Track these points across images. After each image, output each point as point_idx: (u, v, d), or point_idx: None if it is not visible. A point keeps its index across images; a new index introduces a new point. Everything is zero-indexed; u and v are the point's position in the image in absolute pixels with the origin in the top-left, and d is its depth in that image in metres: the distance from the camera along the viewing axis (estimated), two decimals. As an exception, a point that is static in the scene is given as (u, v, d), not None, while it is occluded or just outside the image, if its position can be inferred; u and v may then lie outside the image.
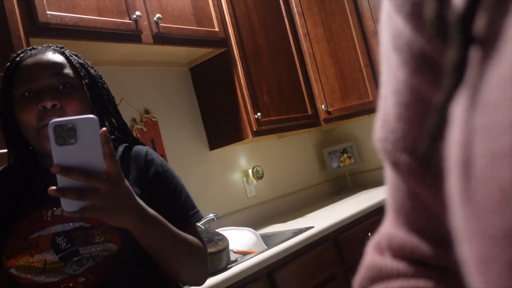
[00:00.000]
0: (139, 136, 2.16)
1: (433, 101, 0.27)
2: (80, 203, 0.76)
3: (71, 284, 0.90)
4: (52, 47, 1.03)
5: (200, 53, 2.36)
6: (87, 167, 0.75)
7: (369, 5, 2.76)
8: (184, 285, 1.07)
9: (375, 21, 2.75)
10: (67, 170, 0.74)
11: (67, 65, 1.01)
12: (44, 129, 0.92)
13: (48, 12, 1.57)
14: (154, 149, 2.21)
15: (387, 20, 0.31)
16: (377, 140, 0.35)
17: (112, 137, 1.13)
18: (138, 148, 1.10)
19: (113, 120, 1.14)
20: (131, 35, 1.86)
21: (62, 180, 0.75)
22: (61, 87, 0.96)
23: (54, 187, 0.75)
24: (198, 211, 1.08)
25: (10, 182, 1.01)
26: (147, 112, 2.24)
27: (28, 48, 1.03)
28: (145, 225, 0.86)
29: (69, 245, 0.91)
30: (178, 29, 2.04)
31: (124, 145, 1.11)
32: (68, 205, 0.76)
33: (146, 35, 1.91)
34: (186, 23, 2.10)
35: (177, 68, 2.47)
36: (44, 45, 1.04)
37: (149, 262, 0.97)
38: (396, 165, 0.31)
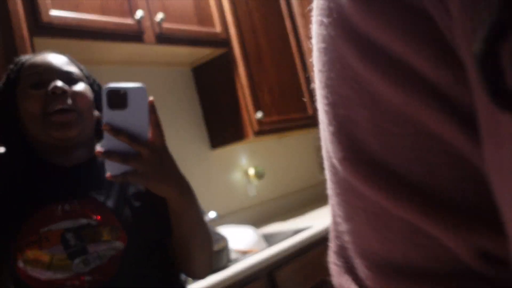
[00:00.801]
0: (140, 135, 2.17)
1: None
2: (123, 167, 0.79)
3: (77, 283, 0.89)
4: (56, 52, 1.04)
5: (202, 53, 2.37)
6: (133, 134, 0.78)
7: (370, 6, 2.76)
8: (190, 276, 1.07)
9: (376, 22, 2.76)
10: (116, 130, 0.76)
11: (72, 64, 1.02)
12: (52, 115, 0.91)
13: (51, 12, 1.58)
14: (156, 148, 2.22)
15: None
16: None
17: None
18: None
19: None
20: (134, 35, 1.87)
21: (108, 143, 0.77)
22: (70, 79, 0.97)
23: (100, 149, 0.77)
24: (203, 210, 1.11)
25: (11, 175, 0.98)
26: (148, 111, 2.25)
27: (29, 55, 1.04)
28: (183, 196, 0.88)
29: (78, 241, 0.91)
30: (180, 30, 2.05)
31: None
32: (112, 168, 0.79)
33: (149, 35, 1.92)
34: (188, 23, 2.11)
35: (179, 68, 2.48)
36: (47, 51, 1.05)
37: (155, 262, 0.97)
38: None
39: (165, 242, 1.01)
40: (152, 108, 0.81)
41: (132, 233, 0.93)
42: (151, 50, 2.12)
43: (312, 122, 2.68)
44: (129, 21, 1.84)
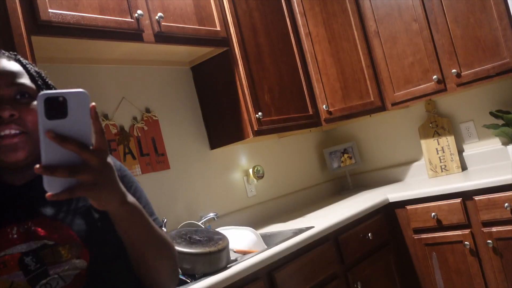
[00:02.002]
0: (140, 135, 2.16)
1: None
2: (66, 182, 0.70)
3: None
4: (6, 54, 0.96)
5: (201, 52, 2.36)
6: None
7: (371, 5, 2.76)
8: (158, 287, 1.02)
9: (377, 21, 2.75)
10: (62, 138, 0.68)
11: (24, 73, 0.94)
12: (1, 139, 0.87)
13: (50, 10, 1.57)
14: (155, 148, 2.22)
15: None
16: None
17: None
18: None
19: None
20: (133, 34, 1.86)
21: (48, 154, 0.69)
22: (18, 96, 0.90)
23: (38, 165, 0.68)
24: (157, 218, 1.05)
25: None
26: (148, 111, 2.24)
27: None
28: (127, 206, 0.82)
29: (38, 265, 0.85)
30: (179, 28, 2.04)
31: None
32: (54, 184, 0.70)
33: (148, 34, 1.91)
34: (187, 22, 2.10)
35: (179, 67, 2.47)
36: None
37: (123, 277, 0.93)
38: None
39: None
40: (95, 114, 0.72)
41: (93, 248, 0.89)
42: (150, 49, 2.12)
43: (312, 121, 2.67)
44: (128, 19, 1.83)
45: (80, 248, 0.88)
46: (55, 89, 1.00)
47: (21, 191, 0.93)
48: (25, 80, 0.93)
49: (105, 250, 0.90)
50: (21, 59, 0.98)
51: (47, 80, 1.00)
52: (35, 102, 0.92)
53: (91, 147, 0.72)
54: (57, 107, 0.69)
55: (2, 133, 0.87)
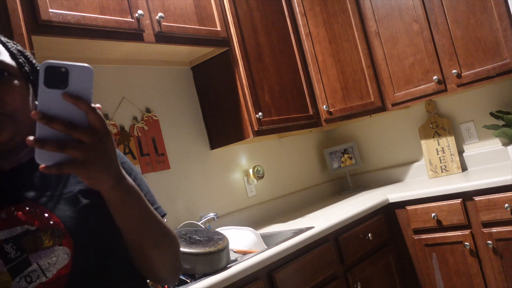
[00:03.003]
0: (140, 135, 2.17)
1: None
2: (58, 156, 0.68)
3: None
4: None
5: (201, 52, 2.36)
6: (71, 117, 0.68)
7: (371, 5, 2.76)
8: (158, 281, 0.97)
9: (377, 22, 2.75)
10: (49, 118, 0.66)
11: (4, 51, 0.89)
12: None
13: (50, 10, 1.57)
14: (155, 148, 2.22)
15: None
16: None
17: None
18: None
19: None
20: (133, 34, 1.86)
21: (41, 129, 0.67)
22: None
23: (32, 137, 0.66)
24: (160, 206, 1.00)
25: None
26: (148, 110, 2.25)
27: None
28: (122, 188, 0.76)
29: (19, 253, 0.80)
30: (180, 28, 2.04)
31: None
32: (44, 157, 0.68)
33: (148, 34, 1.91)
34: (188, 22, 2.10)
35: (179, 67, 2.47)
36: None
37: (114, 271, 0.87)
38: None
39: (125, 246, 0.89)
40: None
41: (78, 235, 0.83)
42: (150, 49, 2.12)
43: (312, 122, 2.67)
44: (128, 19, 1.83)
45: (63, 235, 0.82)
46: (34, 68, 0.95)
47: (8, 175, 0.89)
48: (5, 57, 0.88)
49: (91, 239, 0.84)
50: (1, 38, 0.93)
51: (30, 58, 0.95)
52: (14, 81, 0.87)
53: (87, 123, 0.69)
54: (58, 77, 0.67)
55: None
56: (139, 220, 0.83)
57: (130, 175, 0.95)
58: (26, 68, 0.92)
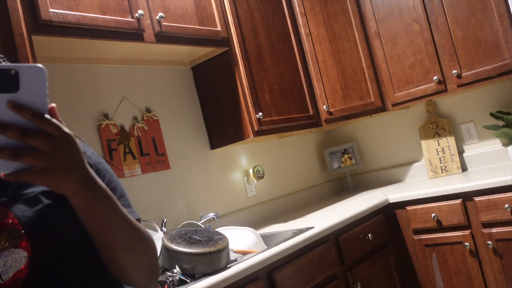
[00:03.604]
0: (140, 134, 2.16)
1: None
2: (16, 164, 0.65)
3: None
4: None
5: (202, 52, 2.36)
6: (26, 123, 0.65)
7: (372, 6, 2.76)
8: (131, 284, 0.93)
9: (378, 22, 2.75)
10: (1, 126, 0.63)
11: None
12: None
13: (50, 9, 1.57)
14: (155, 148, 2.22)
15: None
16: None
17: None
18: None
19: None
20: (133, 34, 1.86)
21: None
22: None
23: None
24: (134, 211, 0.95)
25: None
26: (148, 110, 2.25)
27: None
28: (87, 192, 0.73)
29: None
30: (180, 28, 2.04)
31: None
32: (1, 166, 0.65)
33: (148, 33, 1.91)
34: (188, 22, 2.10)
35: (179, 67, 2.47)
36: None
37: (71, 279, 0.82)
38: None
39: (92, 247, 0.84)
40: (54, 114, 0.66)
41: (36, 237, 0.79)
42: (151, 49, 2.12)
43: (312, 122, 2.67)
44: (129, 19, 1.83)
45: (20, 236, 0.78)
46: (3, 60, 0.92)
47: None
48: None
49: (50, 242, 0.80)
50: None
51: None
52: None
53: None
54: (8, 80, 0.63)
55: None
56: (108, 225, 0.79)
57: (105, 176, 0.93)
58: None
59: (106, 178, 0.93)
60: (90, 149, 0.96)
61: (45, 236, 0.78)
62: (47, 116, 0.66)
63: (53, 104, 0.67)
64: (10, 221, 0.79)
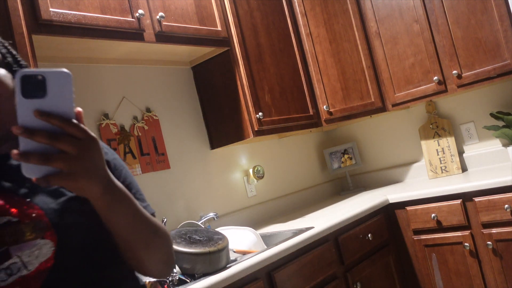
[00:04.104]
0: (140, 134, 2.16)
1: None
2: (45, 168, 0.66)
3: None
4: None
5: (202, 52, 2.36)
6: (54, 127, 0.66)
7: (372, 6, 2.76)
8: (149, 276, 0.96)
9: (378, 22, 2.75)
10: (31, 131, 0.64)
11: None
12: None
13: (51, 9, 1.57)
14: (155, 147, 2.22)
15: None
16: None
17: None
18: None
19: None
20: (134, 33, 1.86)
21: (24, 141, 0.65)
22: None
23: (16, 150, 0.64)
24: (149, 205, 0.98)
25: None
26: (148, 110, 2.25)
27: None
28: (110, 194, 0.75)
29: None
30: (180, 28, 2.04)
31: None
32: (31, 170, 0.66)
33: (149, 33, 1.91)
34: (188, 22, 2.10)
35: (179, 66, 2.47)
36: None
37: (99, 265, 0.86)
38: None
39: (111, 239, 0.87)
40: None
41: (62, 229, 0.81)
42: (151, 49, 2.12)
43: (312, 122, 2.67)
44: (129, 19, 1.83)
45: (46, 227, 0.80)
46: (23, 61, 0.94)
47: None
48: None
49: (75, 233, 0.82)
50: None
51: (11, 49, 0.93)
52: (0, 71, 0.85)
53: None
54: (35, 86, 0.64)
55: None
56: (128, 223, 0.82)
57: (121, 172, 0.96)
58: (9, 59, 0.90)
59: (123, 174, 0.96)
60: (104, 144, 0.98)
61: (70, 228, 0.80)
62: (74, 120, 0.67)
63: (79, 109, 0.68)
64: (36, 212, 0.80)
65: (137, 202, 0.84)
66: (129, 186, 0.96)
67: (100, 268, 0.86)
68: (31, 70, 0.65)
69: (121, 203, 0.78)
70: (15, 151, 0.65)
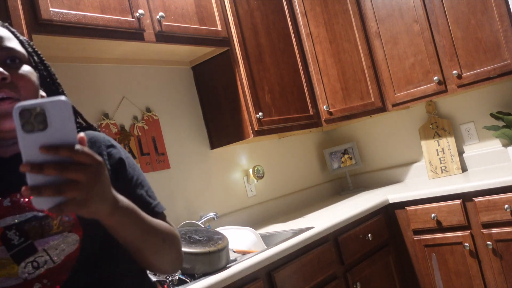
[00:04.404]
0: (140, 134, 2.16)
1: None
2: (57, 198, 0.66)
3: None
4: None
5: (202, 52, 2.36)
6: (60, 157, 0.65)
7: (372, 6, 2.75)
8: (159, 273, 1.00)
9: (378, 22, 2.75)
10: (39, 167, 0.64)
11: (13, 38, 0.89)
12: None
13: (51, 9, 1.57)
14: (155, 147, 2.22)
15: None
16: None
17: None
18: (93, 132, 0.99)
19: None
20: (134, 33, 1.86)
21: (32, 176, 0.64)
22: (9, 61, 0.85)
23: (25, 187, 0.65)
24: (159, 202, 1.01)
25: None
26: (148, 110, 2.24)
27: None
28: (118, 213, 0.76)
29: (23, 239, 0.80)
30: (180, 28, 2.04)
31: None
32: (41, 202, 0.65)
33: (149, 33, 1.91)
34: (188, 21, 2.10)
35: (179, 66, 2.47)
36: None
37: (116, 262, 0.89)
38: None
39: None
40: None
41: (88, 222, 0.83)
42: (151, 48, 2.12)
43: (312, 122, 2.67)
44: (129, 19, 1.83)
45: (73, 221, 0.83)
46: (41, 60, 0.96)
47: (10, 163, 0.87)
48: (15, 44, 0.88)
49: (100, 227, 0.83)
50: (9, 26, 0.92)
51: (36, 49, 0.96)
52: (27, 68, 0.87)
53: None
54: (35, 119, 0.63)
55: None
56: (136, 236, 0.84)
57: (134, 170, 0.98)
58: (35, 57, 0.93)
59: (135, 172, 0.98)
60: (115, 142, 1.00)
61: (94, 221, 0.81)
62: (79, 147, 0.66)
63: (82, 134, 0.68)
64: None
65: (144, 214, 0.85)
66: (141, 184, 0.98)
67: (120, 261, 0.89)
68: (28, 103, 0.63)
69: (129, 219, 0.80)
70: (25, 188, 0.65)
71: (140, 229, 0.84)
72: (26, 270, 0.79)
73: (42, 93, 0.94)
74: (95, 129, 1.02)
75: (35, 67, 0.92)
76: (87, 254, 0.82)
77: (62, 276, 0.81)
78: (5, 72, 0.82)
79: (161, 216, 0.99)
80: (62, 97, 0.64)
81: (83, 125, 1.02)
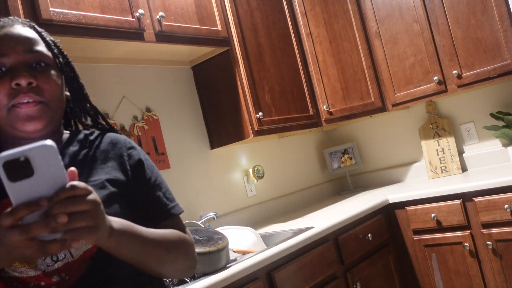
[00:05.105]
0: (140, 134, 2.16)
1: None
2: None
3: (42, 284, 0.81)
4: (21, 21, 0.93)
5: (202, 51, 2.36)
6: (52, 190, 0.66)
7: (372, 6, 2.75)
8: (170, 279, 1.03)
9: (378, 22, 2.75)
10: (48, 220, 0.65)
11: (40, 41, 0.92)
12: (17, 107, 0.85)
13: (51, 8, 1.57)
14: (155, 147, 2.22)
15: None
16: None
17: (88, 123, 1.07)
18: (114, 134, 1.02)
19: (88, 105, 1.07)
20: (134, 33, 1.86)
21: (30, 216, 0.65)
22: (35, 64, 0.88)
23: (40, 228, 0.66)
24: (178, 204, 1.03)
25: None
26: (148, 110, 2.24)
27: None
28: (114, 236, 0.78)
29: None
30: (180, 28, 2.04)
31: (96, 132, 1.04)
32: (46, 235, 0.66)
33: (149, 33, 1.91)
34: (188, 21, 2.10)
35: (179, 66, 2.47)
36: (11, 17, 0.94)
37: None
38: None
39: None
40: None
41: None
42: (151, 48, 2.12)
43: (312, 122, 2.67)
44: (129, 18, 1.83)
45: None
46: (66, 60, 0.98)
47: None
48: (42, 47, 0.91)
49: None
50: (36, 26, 0.94)
51: (62, 50, 0.98)
52: (52, 71, 0.90)
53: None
54: (20, 168, 0.62)
55: (21, 100, 0.85)
56: (137, 253, 0.85)
57: (152, 171, 1.00)
58: (60, 59, 0.95)
59: (154, 174, 1.00)
60: (134, 143, 1.02)
61: (113, 217, 0.83)
62: (71, 184, 0.67)
63: (73, 168, 0.70)
64: None
65: (142, 229, 0.87)
66: (159, 185, 1.00)
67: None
68: (11, 153, 0.62)
69: (126, 239, 0.82)
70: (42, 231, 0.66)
71: (140, 244, 0.85)
72: (46, 262, 0.82)
73: (67, 93, 0.98)
74: (116, 131, 1.04)
75: (60, 69, 0.95)
76: (103, 251, 0.83)
77: (78, 271, 0.83)
78: (32, 79, 0.85)
79: (176, 219, 1.01)
80: (47, 141, 0.64)
81: (105, 127, 1.05)
